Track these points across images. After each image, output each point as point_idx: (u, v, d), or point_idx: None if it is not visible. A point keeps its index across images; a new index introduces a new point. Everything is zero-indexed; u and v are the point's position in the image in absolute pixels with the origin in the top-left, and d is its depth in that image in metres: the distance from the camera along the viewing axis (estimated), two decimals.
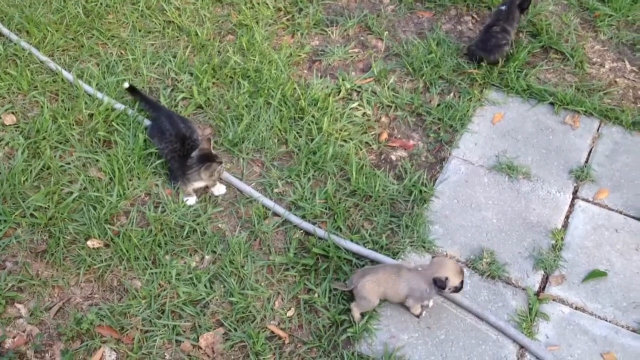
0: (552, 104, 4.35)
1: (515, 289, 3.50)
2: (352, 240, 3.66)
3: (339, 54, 4.73)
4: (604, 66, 4.63)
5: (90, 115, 4.27)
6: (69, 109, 4.31)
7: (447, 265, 3.20)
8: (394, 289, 3.25)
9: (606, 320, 3.39)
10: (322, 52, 4.77)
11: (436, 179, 4.00)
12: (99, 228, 3.71)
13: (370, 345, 3.29)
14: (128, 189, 3.89)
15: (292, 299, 3.48)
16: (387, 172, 4.04)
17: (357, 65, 4.70)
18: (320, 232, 3.68)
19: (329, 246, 3.61)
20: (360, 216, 3.82)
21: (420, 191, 3.91)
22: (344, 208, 3.82)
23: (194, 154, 3.76)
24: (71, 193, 3.86)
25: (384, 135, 4.24)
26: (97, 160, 4.02)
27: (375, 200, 3.87)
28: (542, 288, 3.51)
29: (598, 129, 4.23)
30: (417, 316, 3.37)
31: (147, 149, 4.05)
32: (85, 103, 4.32)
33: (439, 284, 3.16)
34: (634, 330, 3.35)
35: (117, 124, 4.20)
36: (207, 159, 3.74)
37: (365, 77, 4.57)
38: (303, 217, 3.79)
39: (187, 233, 3.71)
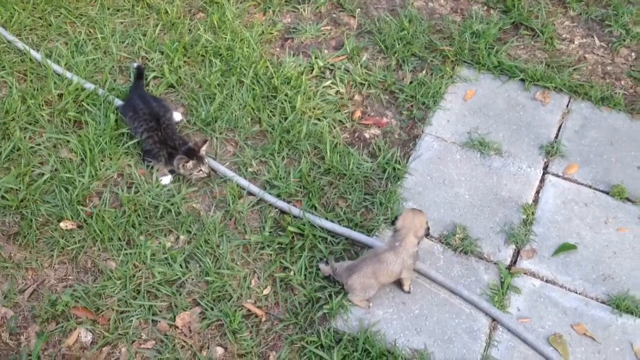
0: (522, 80, 4.40)
1: (488, 263, 3.56)
2: (327, 219, 3.68)
3: (311, 32, 4.71)
4: (574, 42, 4.68)
5: (60, 96, 4.21)
6: (38, 89, 4.25)
7: (415, 217, 3.27)
8: (387, 274, 3.27)
9: (576, 293, 3.46)
10: (294, 30, 4.75)
11: (409, 156, 4.03)
12: (72, 209, 3.67)
13: (346, 321, 3.32)
14: (100, 169, 3.86)
15: (268, 277, 3.50)
16: (360, 150, 4.06)
17: (329, 42, 4.69)
18: (296, 210, 3.70)
19: (304, 224, 3.62)
20: (335, 194, 3.84)
21: (394, 168, 3.93)
22: (318, 186, 3.84)
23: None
24: (42, 174, 3.82)
25: (357, 113, 4.25)
26: (68, 141, 3.98)
27: (350, 178, 3.89)
28: (514, 262, 3.57)
29: (567, 105, 4.28)
30: (408, 292, 3.41)
31: (118, 129, 4.01)
32: (55, 83, 4.26)
33: (428, 233, 3.32)
34: (603, 302, 3.43)
35: (88, 104, 4.15)
36: (189, 154, 3.74)
37: (338, 54, 4.56)
38: (278, 196, 3.80)
39: (161, 213, 3.70)
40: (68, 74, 4.30)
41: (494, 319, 3.35)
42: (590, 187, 3.88)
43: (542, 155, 4.02)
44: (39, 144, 3.97)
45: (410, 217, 3.28)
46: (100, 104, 4.13)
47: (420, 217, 3.29)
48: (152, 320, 3.33)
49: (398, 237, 3.27)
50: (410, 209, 3.38)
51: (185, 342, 3.26)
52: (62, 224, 3.63)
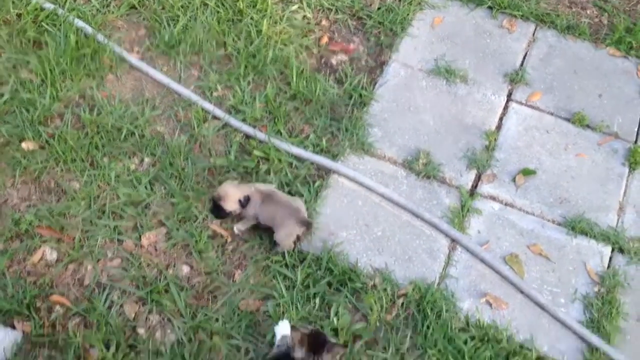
0: (490, 7, 4.38)
1: (449, 187, 3.63)
2: (292, 144, 3.68)
3: None
4: None
5: (19, 15, 4.09)
6: None
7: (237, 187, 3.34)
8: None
9: (533, 215, 3.56)
10: None
11: (376, 83, 4.03)
12: (33, 130, 3.62)
13: (309, 242, 3.37)
14: (61, 90, 3.79)
15: None
16: (327, 76, 4.04)
17: None
18: (261, 135, 3.69)
19: (269, 149, 3.63)
20: (301, 120, 3.84)
21: (360, 95, 3.94)
22: (284, 112, 3.83)
23: None
24: (2, 95, 3.74)
25: (324, 39, 4.21)
26: (28, 62, 3.88)
27: (316, 104, 3.88)
28: (475, 186, 3.65)
29: (534, 33, 4.30)
30: None
31: (79, 50, 3.92)
32: (13, 3, 4.12)
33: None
34: (559, 224, 3.53)
35: (47, 25, 4.04)
36: None
37: None
38: (243, 120, 3.78)
39: (124, 136, 3.67)
40: None
41: (453, 240, 3.44)
42: (552, 114, 3.94)
43: (507, 83, 4.05)
44: None
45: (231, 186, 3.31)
46: (60, 25, 4.02)
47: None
48: (118, 240, 3.35)
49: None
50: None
51: (151, 260, 3.29)
52: (23, 145, 3.58)
